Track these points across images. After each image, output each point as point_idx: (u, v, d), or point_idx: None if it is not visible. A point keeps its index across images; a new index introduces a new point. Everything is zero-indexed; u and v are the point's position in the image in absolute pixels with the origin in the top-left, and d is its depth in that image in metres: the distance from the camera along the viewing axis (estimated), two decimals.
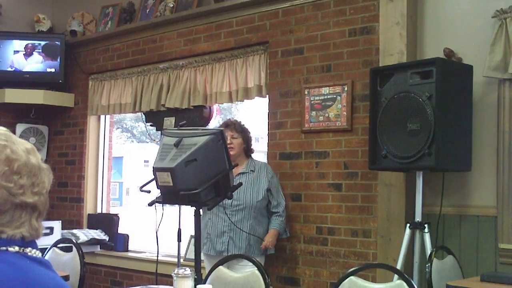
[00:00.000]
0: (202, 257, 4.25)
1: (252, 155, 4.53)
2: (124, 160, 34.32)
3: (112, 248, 6.06)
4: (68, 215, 6.47)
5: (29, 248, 1.40)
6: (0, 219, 1.37)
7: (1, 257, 1.34)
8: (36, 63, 6.32)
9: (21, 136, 6.44)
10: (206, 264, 4.30)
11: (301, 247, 4.56)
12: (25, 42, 6.31)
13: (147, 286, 3.91)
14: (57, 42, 6.35)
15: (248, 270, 3.32)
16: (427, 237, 3.66)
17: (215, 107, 5.46)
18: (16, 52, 6.31)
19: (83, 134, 6.43)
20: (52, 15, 6.83)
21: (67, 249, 4.12)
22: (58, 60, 6.31)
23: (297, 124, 4.65)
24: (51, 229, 5.79)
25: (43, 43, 6.34)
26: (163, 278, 4.68)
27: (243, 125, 4.51)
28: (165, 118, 5.57)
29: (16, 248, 1.37)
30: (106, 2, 6.33)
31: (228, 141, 4.29)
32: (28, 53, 6.31)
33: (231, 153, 4.27)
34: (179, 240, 4.55)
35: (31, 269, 1.36)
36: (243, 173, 4.36)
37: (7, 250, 1.36)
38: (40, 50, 6.32)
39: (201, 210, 3.13)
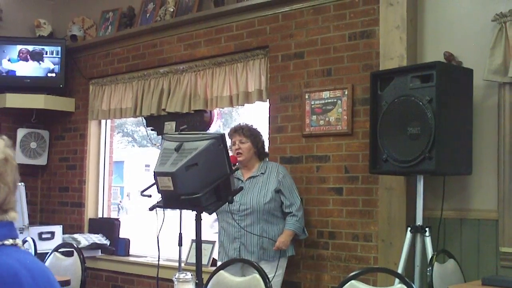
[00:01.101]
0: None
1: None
2: (125, 164, 34.33)
3: (113, 253, 6.06)
4: (69, 219, 6.48)
5: (17, 239, 1.43)
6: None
7: (3, 252, 1.35)
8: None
9: (22, 141, 6.46)
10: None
11: (302, 251, 4.55)
12: (26, 47, 6.33)
13: None
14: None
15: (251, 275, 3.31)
16: (428, 240, 3.65)
17: (215, 111, 5.46)
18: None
19: (84, 139, 6.44)
20: (52, 20, 6.84)
21: (68, 254, 4.12)
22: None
23: (297, 128, 4.65)
24: (52, 233, 5.79)
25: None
26: (164, 282, 4.68)
27: (254, 129, 4.41)
28: (165, 123, 5.58)
29: (11, 241, 1.39)
30: (106, 7, 6.35)
31: (236, 146, 4.28)
32: (22, 58, 6.33)
33: (240, 158, 4.26)
34: (180, 244, 4.55)
35: (29, 260, 1.38)
36: (253, 176, 4.31)
37: (3, 244, 1.38)
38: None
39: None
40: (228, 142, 4.23)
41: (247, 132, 4.35)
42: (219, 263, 4.24)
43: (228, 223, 4.26)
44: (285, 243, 4.19)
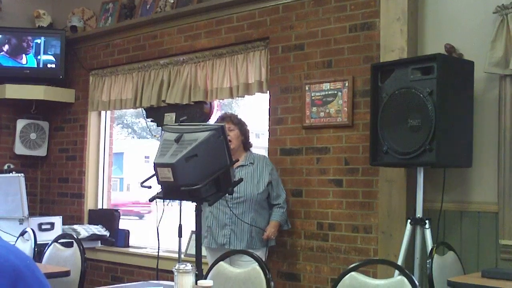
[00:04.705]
0: (204, 251, 4.24)
1: (253, 150, 4.52)
2: (125, 155, 34.31)
3: (112, 244, 6.06)
4: (69, 210, 6.48)
5: None
6: None
7: None
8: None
9: (21, 132, 6.46)
10: (208, 258, 4.28)
11: (301, 242, 4.56)
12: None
13: (148, 282, 3.92)
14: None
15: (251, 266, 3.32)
16: (428, 233, 3.65)
17: (215, 102, 5.46)
18: None
19: (84, 130, 6.43)
20: (52, 10, 6.82)
21: (68, 245, 4.12)
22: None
23: (297, 120, 4.65)
24: (52, 224, 5.80)
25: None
26: (164, 273, 4.69)
27: (241, 118, 4.50)
28: (165, 114, 5.57)
29: None
30: None
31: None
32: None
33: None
34: (180, 235, 4.56)
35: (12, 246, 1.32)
36: (242, 166, 4.35)
37: None
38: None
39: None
40: None
41: (235, 119, 4.43)
42: (204, 248, 4.25)
43: (218, 209, 4.30)
44: (274, 233, 4.34)
